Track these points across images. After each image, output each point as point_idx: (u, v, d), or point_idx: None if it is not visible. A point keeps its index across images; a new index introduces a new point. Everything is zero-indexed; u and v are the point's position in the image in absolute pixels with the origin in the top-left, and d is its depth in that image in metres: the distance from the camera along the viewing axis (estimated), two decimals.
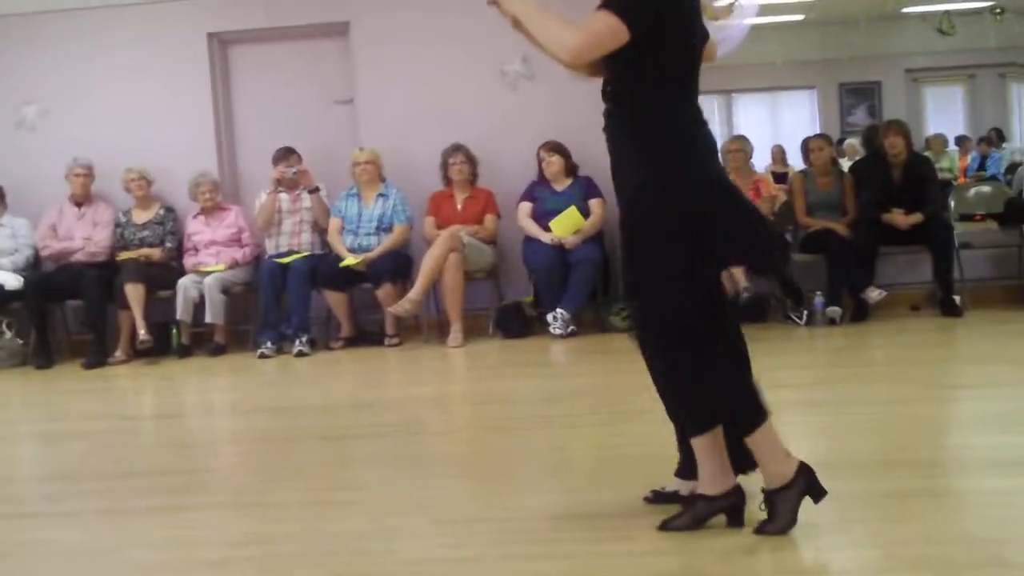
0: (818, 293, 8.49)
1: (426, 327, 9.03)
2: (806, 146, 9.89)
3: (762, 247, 3.92)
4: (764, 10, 10.99)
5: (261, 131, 9.67)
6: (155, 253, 9.10)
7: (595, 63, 3.64)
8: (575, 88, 9.43)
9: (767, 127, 17.43)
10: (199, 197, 9.24)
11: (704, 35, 3.75)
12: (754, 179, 9.35)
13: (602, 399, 6.31)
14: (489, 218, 9.18)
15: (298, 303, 8.74)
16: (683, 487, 3.84)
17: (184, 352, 8.84)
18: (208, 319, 8.86)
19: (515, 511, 4.08)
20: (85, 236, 9.26)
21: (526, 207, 9.13)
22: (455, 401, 6.90)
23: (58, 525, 4.41)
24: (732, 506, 3.64)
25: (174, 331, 8.94)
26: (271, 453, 5.57)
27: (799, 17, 15.85)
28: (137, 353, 8.80)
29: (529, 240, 9.04)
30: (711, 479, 3.63)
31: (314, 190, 9.16)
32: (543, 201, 9.09)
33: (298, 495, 4.61)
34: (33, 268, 9.35)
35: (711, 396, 3.60)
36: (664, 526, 3.65)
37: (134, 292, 8.71)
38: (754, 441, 3.57)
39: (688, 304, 3.54)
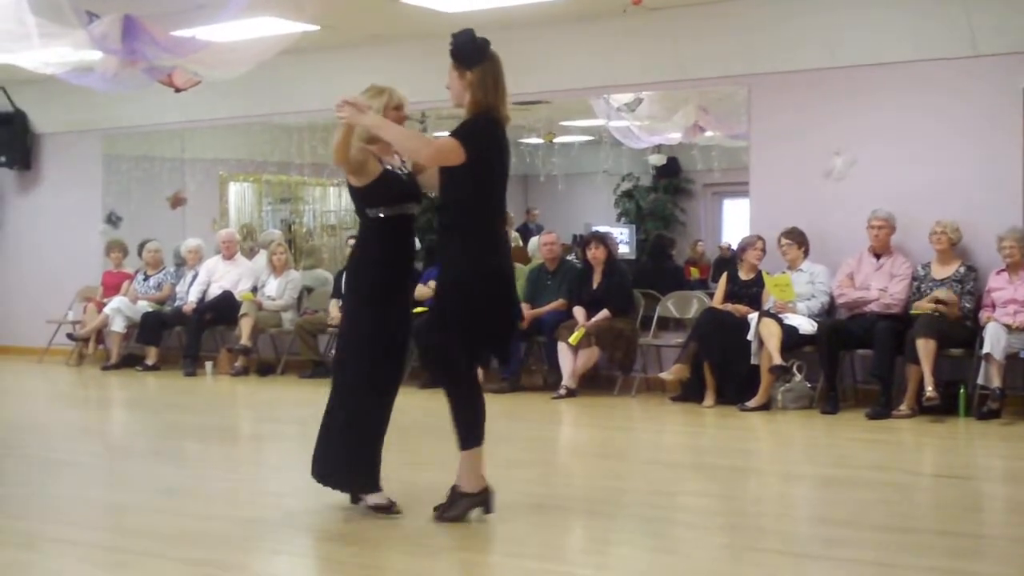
0: None
1: None
2: None
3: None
4: None
5: None
6: (951, 311, 8.86)
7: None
8: None
9: None
10: (1002, 250, 8.86)
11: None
12: None
13: None
14: None
15: None
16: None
17: (990, 414, 8.45)
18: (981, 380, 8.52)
19: None
20: (881, 287, 9.28)
21: None
22: None
23: (829, 570, 4.42)
24: (484, 500, 5.13)
25: (962, 391, 8.67)
26: None
27: None
28: (922, 409, 8.63)
29: None
30: (471, 481, 5.12)
31: None
32: None
33: None
34: (827, 314, 9.54)
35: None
36: (439, 518, 5.14)
37: (925, 347, 8.55)
38: (465, 455, 5.11)
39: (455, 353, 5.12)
